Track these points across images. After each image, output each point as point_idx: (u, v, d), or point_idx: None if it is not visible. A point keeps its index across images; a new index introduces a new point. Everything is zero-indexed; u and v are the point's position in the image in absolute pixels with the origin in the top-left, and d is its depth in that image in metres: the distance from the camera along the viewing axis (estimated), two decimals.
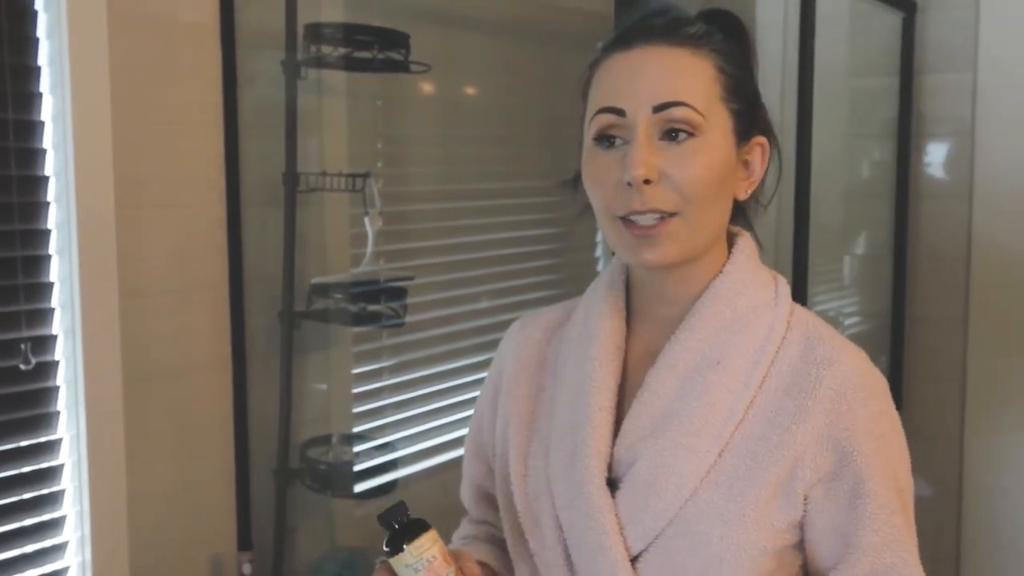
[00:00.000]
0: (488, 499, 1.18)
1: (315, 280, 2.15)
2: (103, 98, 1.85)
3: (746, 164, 1.04)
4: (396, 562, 0.94)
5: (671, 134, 0.97)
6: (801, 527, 1.00)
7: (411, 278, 2.24)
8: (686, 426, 0.99)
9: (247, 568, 2.03)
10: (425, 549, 0.94)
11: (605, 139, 0.99)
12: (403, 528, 0.96)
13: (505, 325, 1.24)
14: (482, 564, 1.08)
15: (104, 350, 1.87)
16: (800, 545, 1.01)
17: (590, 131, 1.01)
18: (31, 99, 1.79)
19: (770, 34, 2.55)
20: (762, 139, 1.05)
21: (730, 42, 1.02)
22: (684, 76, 0.97)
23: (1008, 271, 2.46)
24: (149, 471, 1.98)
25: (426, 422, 2.52)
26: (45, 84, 1.81)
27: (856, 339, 2.94)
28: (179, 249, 2.01)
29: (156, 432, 1.99)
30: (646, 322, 1.08)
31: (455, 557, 0.98)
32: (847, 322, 2.74)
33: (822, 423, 0.98)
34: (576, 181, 1.06)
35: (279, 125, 2.10)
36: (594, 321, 1.08)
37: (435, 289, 2.48)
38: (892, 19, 2.54)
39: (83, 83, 1.82)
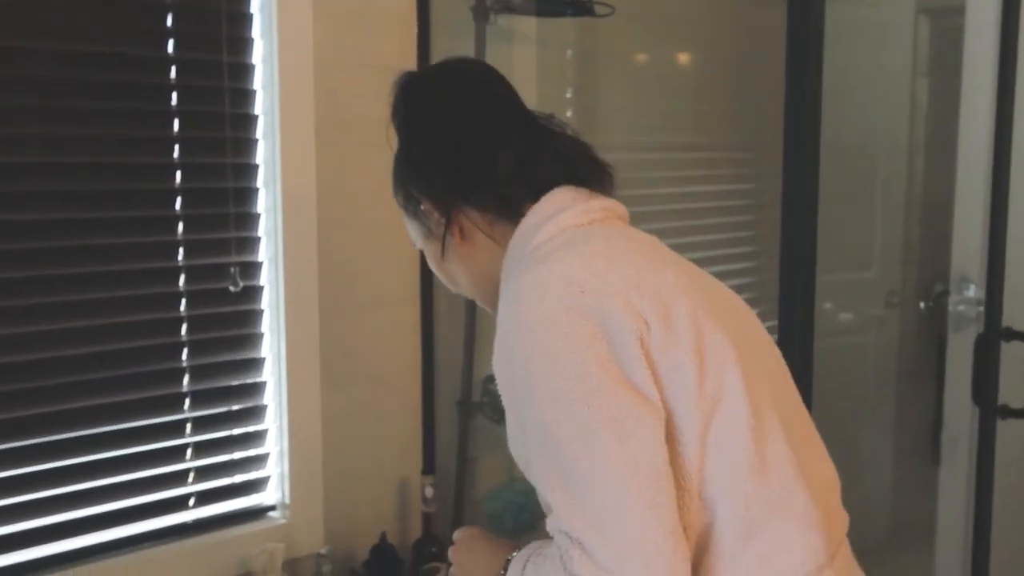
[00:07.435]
0: None
1: None
2: (307, 50, 1.99)
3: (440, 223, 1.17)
4: None
5: None
6: None
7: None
8: None
9: (429, 491, 2.14)
10: None
11: None
12: None
13: None
14: None
15: (302, 278, 2.02)
16: None
17: None
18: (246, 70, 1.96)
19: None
20: (424, 204, 1.18)
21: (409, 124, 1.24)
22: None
23: None
24: (343, 395, 2.12)
25: None
26: (258, 74, 1.97)
27: None
28: (373, 187, 2.12)
29: (350, 359, 2.12)
30: None
31: None
32: None
33: None
34: None
35: None
36: None
37: None
38: None
39: (289, 30, 1.97)
